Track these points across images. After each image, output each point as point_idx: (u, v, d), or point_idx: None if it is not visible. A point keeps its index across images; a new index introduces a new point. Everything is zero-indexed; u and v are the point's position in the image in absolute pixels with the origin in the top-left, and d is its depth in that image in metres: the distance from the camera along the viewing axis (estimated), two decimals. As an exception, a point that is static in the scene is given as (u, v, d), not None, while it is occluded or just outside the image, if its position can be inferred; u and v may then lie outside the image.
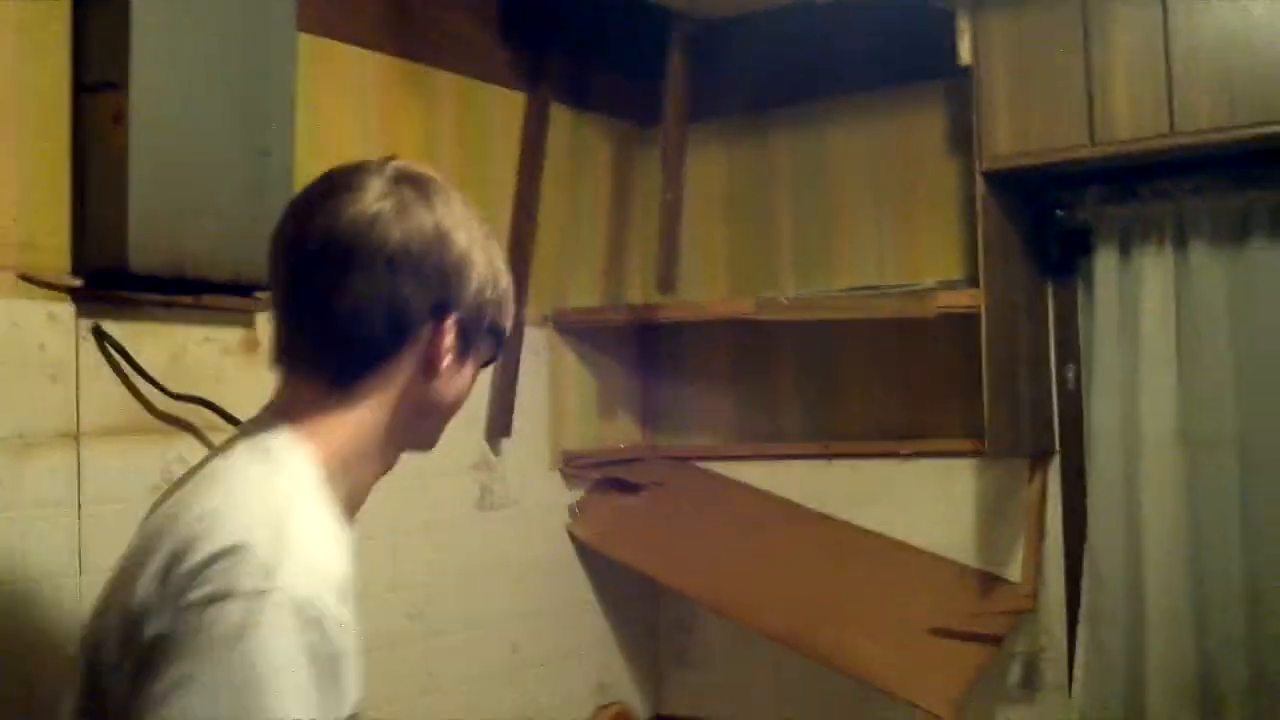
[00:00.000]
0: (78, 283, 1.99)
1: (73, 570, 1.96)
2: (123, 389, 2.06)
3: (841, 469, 3.07)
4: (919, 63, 2.88)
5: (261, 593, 1.14)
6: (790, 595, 2.90)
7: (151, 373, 2.08)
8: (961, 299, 2.68)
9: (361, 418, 1.33)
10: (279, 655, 1.13)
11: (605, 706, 2.90)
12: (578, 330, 3.11)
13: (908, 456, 2.98)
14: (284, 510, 1.23)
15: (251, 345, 2.28)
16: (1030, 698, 2.85)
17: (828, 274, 3.13)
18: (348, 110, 2.54)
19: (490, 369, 1.80)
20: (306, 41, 2.31)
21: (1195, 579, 2.60)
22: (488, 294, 1.38)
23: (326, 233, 1.31)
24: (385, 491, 1.41)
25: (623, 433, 3.27)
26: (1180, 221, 2.63)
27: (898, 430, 3.02)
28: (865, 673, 2.72)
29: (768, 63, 3.14)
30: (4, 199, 1.92)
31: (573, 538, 3.04)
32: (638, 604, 3.21)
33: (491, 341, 1.43)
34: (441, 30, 2.76)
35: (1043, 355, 2.83)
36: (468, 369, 1.40)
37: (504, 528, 2.85)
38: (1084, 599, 2.73)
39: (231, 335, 2.25)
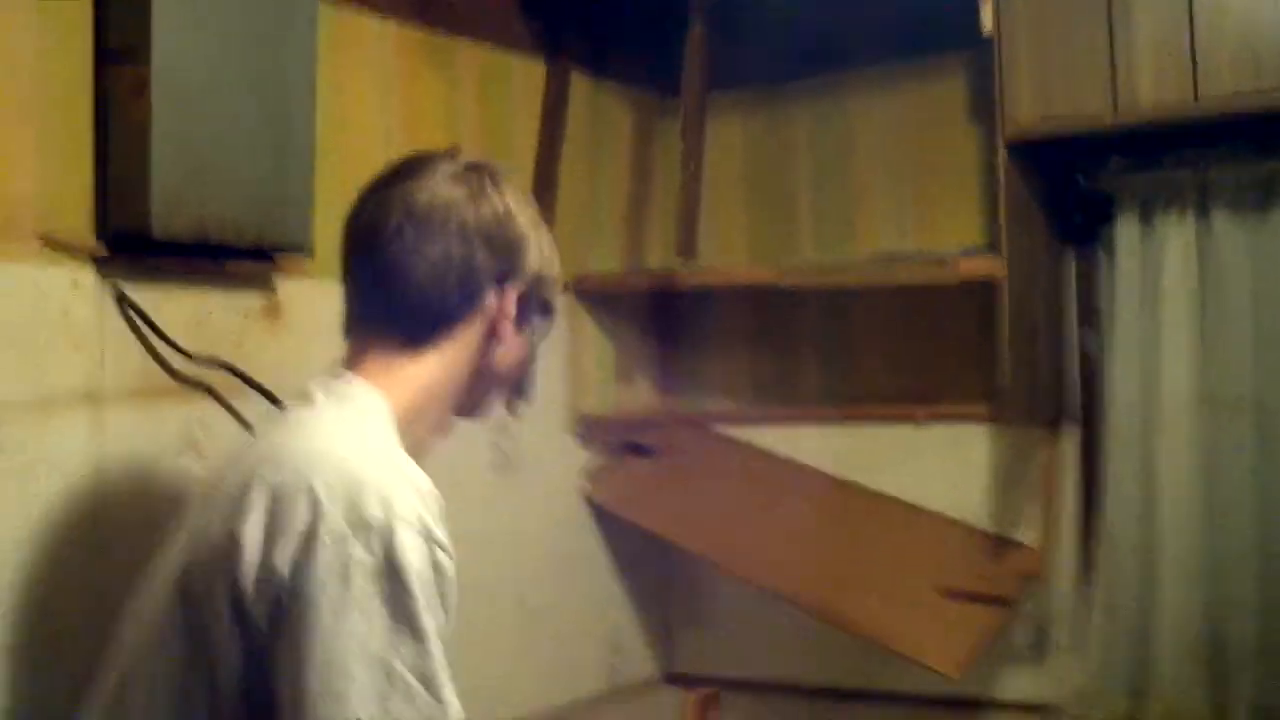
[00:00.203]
0: (101, 249, 2.00)
1: (95, 535, 1.98)
2: (145, 354, 2.08)
3: (858, 433, 3.07)
4: (940, 33, 2.85)
5: (390, 523, 1.26)
6: (802, 557, 2.92)
7: (173, 337, 2.10)
8: (982, 266, 2.67)
9: (430, 375, 1.48)
10: (418, 576, 1.26)
11: (694, 690, 2.93)
12: (598, 297, 3.12)
13: (924, 421, 2.98)
14: (379, 447, 1.37)
15: (273, 310, 2.30)
16: (1040, 660, 2.87)
17: (848, 242, 3.13)
18: (368, 79, 2.54)
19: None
20: (327, 11, 2.30)
21: (1209, 546, 2.60)
22: (544, 271, 1.56)
23: (406, 208, 1.46)
24: (401, 452, 1.44)
25: (640, 398, 3.28)
26: (1203, 189, 2.61)
27: (915, 396, 3.03)
28: (875, 633, 2.74)
29: (788, 33, 3.12)
30: (27, 167, 1.93)
31: (588, 501, 3.07)
32: (650, 565, 3.23)
33: (544, 317, 1.60)
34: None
35: (1063, 322, 2.83)
36: (522, 339, 1.56)
37: (519, 490, 2.87)
38: (1097, 563, 2.74)
39: (253, 300, 2.27)
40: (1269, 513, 2.56)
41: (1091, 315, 2.82)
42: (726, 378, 3.29)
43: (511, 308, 1.51)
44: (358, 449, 1.35)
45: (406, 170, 1.51)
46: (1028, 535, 2.85)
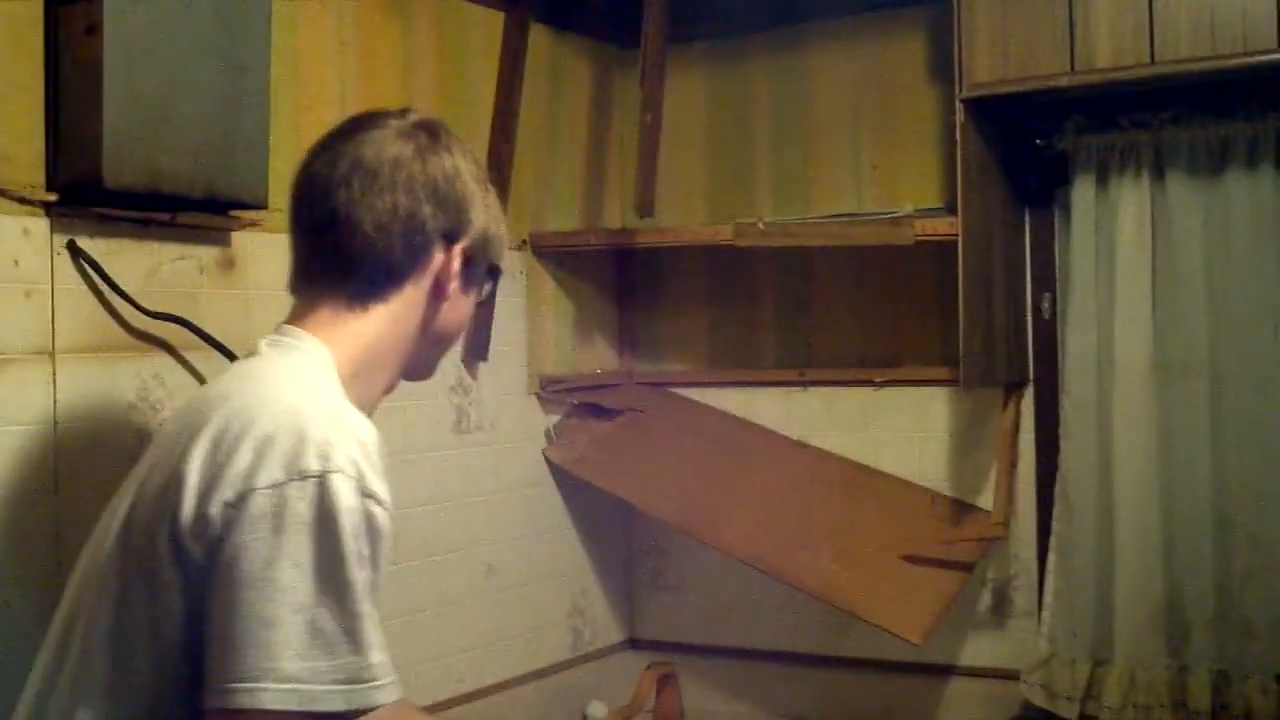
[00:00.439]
0: (51, 197, 1.97)
1: (49, 488, 1.96)
2: (98, 306, 2.05)
3: (817, 396, 3.08)
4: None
5: (327, 473, 1.26)
6: (764, 520, 2.92)
7: (127, 290, 2.07)
8: (939, 227, 2.68)
9: (375, 331, 1.47)
10: (350, 526, 1.26)
11: (652, 666, 2.92)
12: (555, 254, 3.10)
13: (882, 385, 3.00)
14: (324, 396, 1.37)
15: (227, 264, 2.27)
16: (1001, 624, 2.90)
17: (806, 201, 3.12)
18: (324, 27, 2.50)
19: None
20: (283, -43, 2.28)
21: (1165, 509, 2.63)
22: (490, 230, 1.54)
23: (354, 161, 1.46)
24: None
25: (600, 358, 3.27)
26: (1158, 151, 2.64)
27: (874, 358, 3.04)
28: (838, 598, 2.76)
29: (749, -16, 3.11)
30: (-25, 112, 1.90)
31: (549, 462, 3.06)
32: (612, 528, 3.23)
33: (489, 277, 1.58)
34: (420, -54, 2.73)
35: (1019, 284, 2.84)
36: (468, 299, 1.55)
37: (480, 451, 2.86)
38: (1054, 527, 2.77)
39: (207, 253, 2.24)
40: (1224, 476, 2.59)
41: (1048, 277, 2.83)
42: (685, 338, 3.29)
43: (457, 266, 1.50)
44: (302, 398, 1.35)
45: (356, 126, 1.50)
46: (987, 499, 2.86)
